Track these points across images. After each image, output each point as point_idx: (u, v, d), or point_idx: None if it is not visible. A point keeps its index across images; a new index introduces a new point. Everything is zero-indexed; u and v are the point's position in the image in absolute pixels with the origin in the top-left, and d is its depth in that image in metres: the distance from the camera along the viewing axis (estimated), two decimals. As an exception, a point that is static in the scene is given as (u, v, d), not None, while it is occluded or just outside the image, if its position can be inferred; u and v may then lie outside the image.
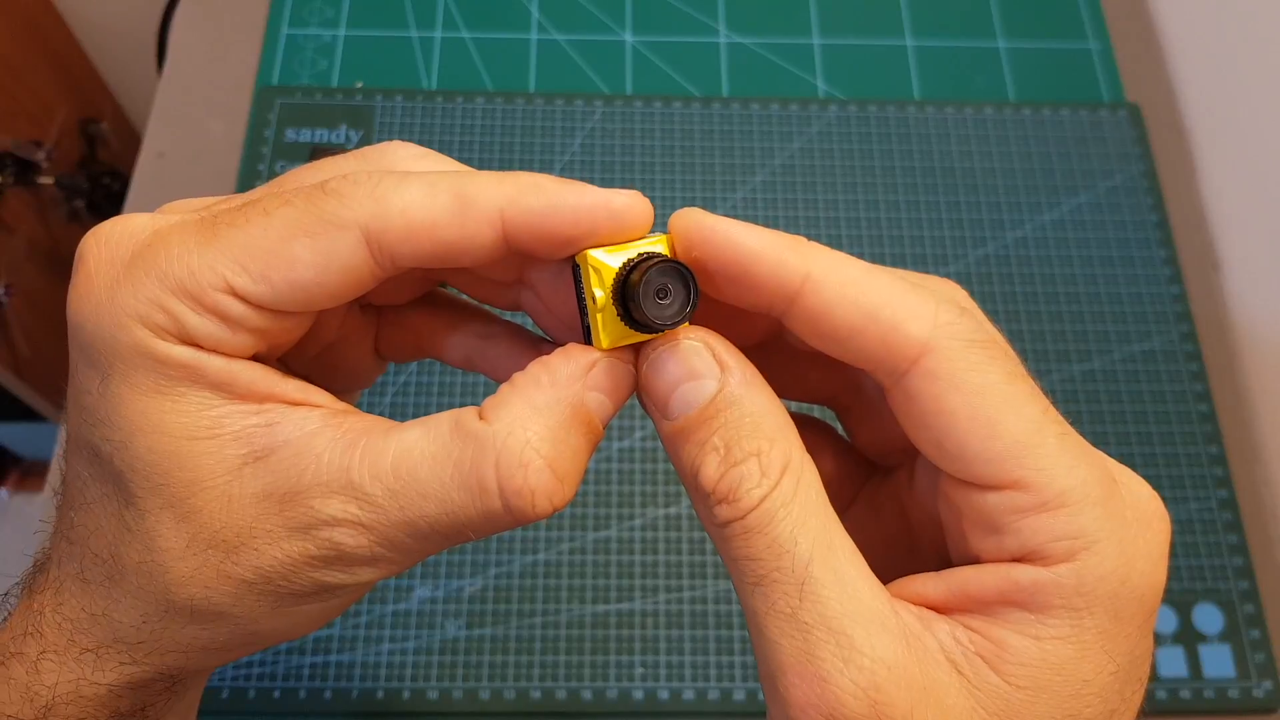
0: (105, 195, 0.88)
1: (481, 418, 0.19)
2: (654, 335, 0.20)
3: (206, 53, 0.57)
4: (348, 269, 0.19)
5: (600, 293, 0.19)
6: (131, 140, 0.97)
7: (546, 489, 0.19)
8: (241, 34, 0.57)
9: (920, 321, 0.18)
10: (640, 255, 0.19)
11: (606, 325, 0.20)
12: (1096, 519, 0.17)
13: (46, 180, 0.82)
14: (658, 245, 0.20)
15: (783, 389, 0.24)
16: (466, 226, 0.19)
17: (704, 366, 0.19)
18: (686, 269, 0.19)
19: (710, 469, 0.18)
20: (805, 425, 0.24)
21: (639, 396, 0.21)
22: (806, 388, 0.24)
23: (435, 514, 0.19)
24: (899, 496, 0.23)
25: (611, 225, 0.19)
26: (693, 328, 0.20)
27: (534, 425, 0.19)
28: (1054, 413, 0.18)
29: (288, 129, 0.53)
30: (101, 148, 0.92)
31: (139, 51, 0.84)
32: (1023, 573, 0.18)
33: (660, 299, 0.19)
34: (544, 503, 0.19)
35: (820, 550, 0.18)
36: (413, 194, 0.19)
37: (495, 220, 0.19)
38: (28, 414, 0.91)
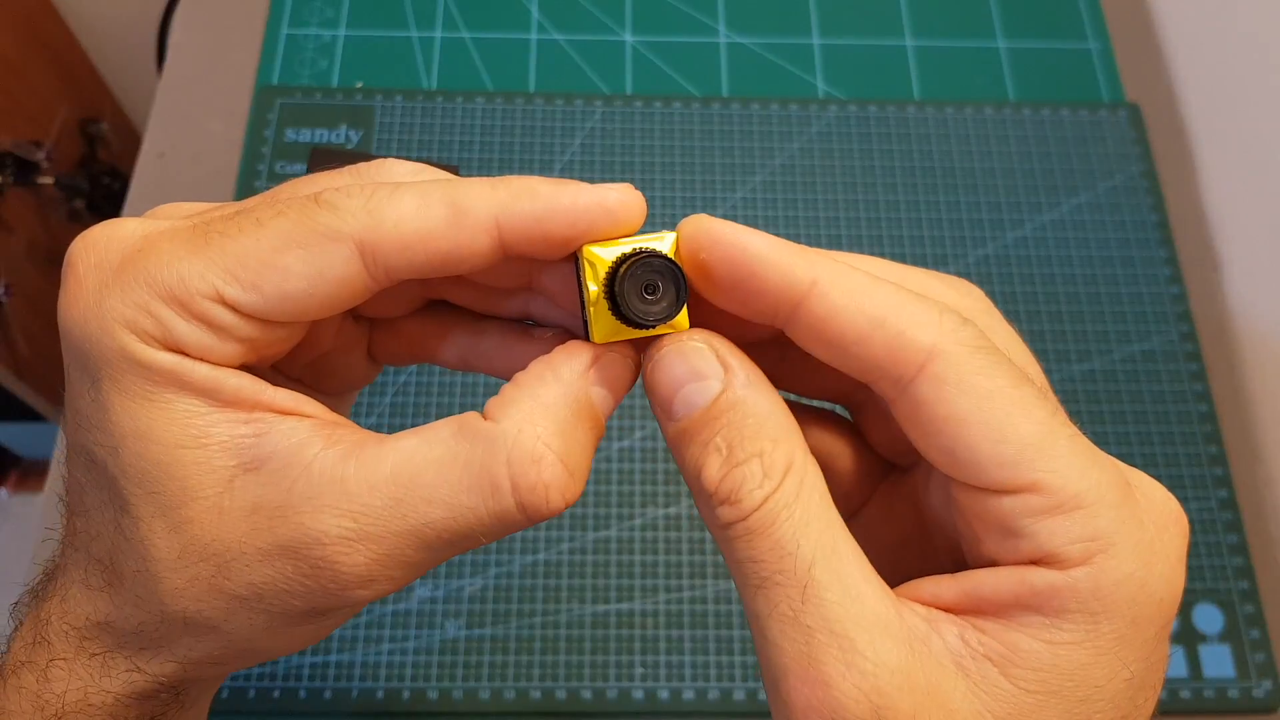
0: (105, 195, 0.88)
1: (487, 418, 0.19)
2: (646, 332, 0.20)
3: (206, 53, 0.57)
4: (341, 281, 0.19)
5: (594, 287, 0.19)
6: (131, 140, 0.97)
7: (560, 484, 0.19)
8: (241, 34, 0.57)
9: (926, 328, 0.18)
10: (635, 250, 0.19)
11: (599, 319, 0.20)
12: (1113, 521, 0.17)
13: (46, 180, 0.82)
14: (661, 241, 0.20)
15: (794, 385, 0.24)
16: (461, 236, 0.19)
17: (707, 367, 0.19)
18: (676, 266, 0.19)
19: (712, 469, 0.18)
20: (823, 419, 0.24)
21: (648, 397, 0.21)
22: (818, 385, 0.24)
23: (442, 519, 0.19)
24: (914, 496, 0.23)
25: (608, 222, 0.19)
26: (696, 330, 0.20)
27: (543, 421, 0.19)
28: (1063, 415, 0.18)
29: (288, 129, 0.53)
30: (101, 148, 0.92)
31: (139, 51, 0.84)
32: (1038, 576, 0.17)
33: (648, 295, 0.19)
34: (557, 498, 0.19)
35: (823, 553, 0.17)
36: (407, 206, 0.19)
37: (491, 228, 0.19)
38: (28, 414, 0.91)
